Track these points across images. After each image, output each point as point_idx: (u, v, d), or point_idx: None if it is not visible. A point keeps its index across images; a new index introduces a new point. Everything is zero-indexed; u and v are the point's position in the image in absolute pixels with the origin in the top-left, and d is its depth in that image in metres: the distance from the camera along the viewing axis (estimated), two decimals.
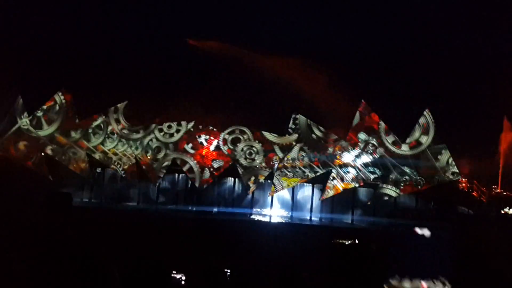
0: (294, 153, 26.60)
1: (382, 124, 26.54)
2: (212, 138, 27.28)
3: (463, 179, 27.27)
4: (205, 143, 27.25)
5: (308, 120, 26.84)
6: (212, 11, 31.42)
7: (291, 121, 26.93)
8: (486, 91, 27.43)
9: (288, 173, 26.55)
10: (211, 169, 27.08)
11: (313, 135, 26.75)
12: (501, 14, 28.26)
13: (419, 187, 26.37)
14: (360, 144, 26.49)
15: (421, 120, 26.41)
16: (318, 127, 26.85)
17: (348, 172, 26.37)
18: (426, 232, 19.39)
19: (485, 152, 26.87)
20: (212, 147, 27.20)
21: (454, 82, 27.65)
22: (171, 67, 29.07)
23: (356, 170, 26.35)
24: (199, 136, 27.33)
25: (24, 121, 27.86)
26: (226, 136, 27.23)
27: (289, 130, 26.95)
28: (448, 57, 28.87)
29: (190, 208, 27.53)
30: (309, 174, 26.54)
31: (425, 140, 26.31)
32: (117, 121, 27.85)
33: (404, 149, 26.42)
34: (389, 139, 26.47)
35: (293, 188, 27.16)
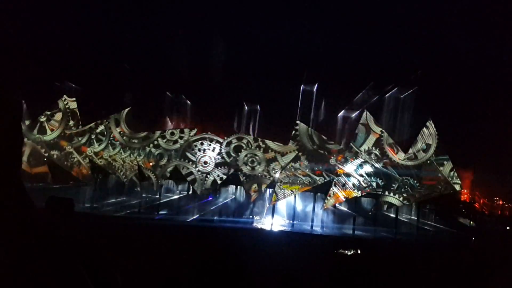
0: (296, 161, 26.52)
1: (385, 134, 26.49)
2: (214, 145, 27.24)
3: (465, 190, 27.13)
4: (207, 151, 27.21)
5: (309, 129, 26.78)
6: (218, 17, 31.66)
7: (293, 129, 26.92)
8: (492, 101, 27.39)
9: (290, 182, 26.46)
10: (213, 177, 27.02)
11: (314, 144, 26.66)
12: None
13: (421, 197, 26.23)
14: (362, 153, 26.40)
15: (424, 130, 26.33)
16: (320, 135, 26.79)
17: (350, 181, 26.27)
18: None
19: (489, 163, 26.76)
20: (214, 155, 27.16)
21: (458, 91, 27.64)
22: (174, 73, 29.20)
23: (357, 179, 26.24)
24: (202, 143, 27.30)
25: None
26: (229, 144, 27.19)
27: (291, 138, 26.90)
28: (453, 66, 28.88)
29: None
30: (311, 183, 26.44)
31: (428, 150, 26.20)
32: (119, 128, 27.88)
33: (407, 159, 26.31)
34: (391, 149, 26.38)
35: (295, 197, 27.06)
